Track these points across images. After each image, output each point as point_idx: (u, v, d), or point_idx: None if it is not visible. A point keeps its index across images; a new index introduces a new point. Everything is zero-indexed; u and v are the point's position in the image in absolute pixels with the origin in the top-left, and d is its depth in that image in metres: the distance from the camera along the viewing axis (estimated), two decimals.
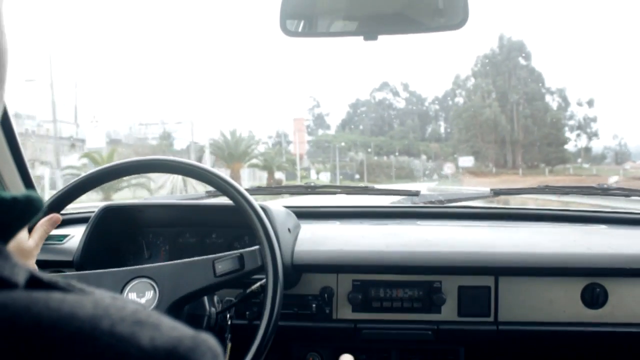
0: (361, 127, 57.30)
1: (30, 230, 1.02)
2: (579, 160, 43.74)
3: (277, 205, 1.37)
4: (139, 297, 1.03)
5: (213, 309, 1.14)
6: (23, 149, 1.36)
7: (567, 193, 1.79)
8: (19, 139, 1.34)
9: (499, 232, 1.49)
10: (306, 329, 1.31)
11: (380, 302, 1.29)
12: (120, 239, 1.42)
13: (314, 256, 1.29)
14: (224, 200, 1.22)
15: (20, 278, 0.32)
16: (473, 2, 1.09)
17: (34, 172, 1.35)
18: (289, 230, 1.30)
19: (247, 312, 1.27)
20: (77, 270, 1.26)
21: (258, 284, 1.12)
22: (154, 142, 33.73)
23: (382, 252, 1.29)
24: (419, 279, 1.29)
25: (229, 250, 1.40)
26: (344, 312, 1.31)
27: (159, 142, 33.56)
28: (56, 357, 0.28)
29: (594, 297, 1.26)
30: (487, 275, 1.29)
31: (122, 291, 1.04)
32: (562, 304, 1.27)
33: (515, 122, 45.08)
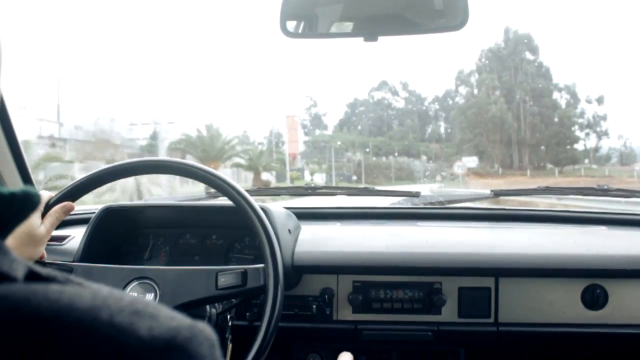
0: (359, 127, 56.02)
1: (42, 217, 1.03)
2: (586, 161, 41.82)
3: (278, 207, 1.37)
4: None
5: (213, 310, 1.15)
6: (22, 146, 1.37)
7: (567, 194, 1.79)
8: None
9: (499, 233, 1.49)
10: (306, 330, 1.31)
11: (381, 303, 1.29)
12: (121, 239, 1.42)
13: (314, 257, 1.29)
14: (224, 201, 1.22)
15: (19, 273, 0.32)
16: (473, 2, 1.10)
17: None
18: (289, 231, 1.30)
19: (248, 313, 1.27)
20: None
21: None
22: (144, 142, 32.45)
23: (383, 253, 1.29)
24: (419, 280, 1.29)
25: (230, 252, 1.42)
26: (345, 313, 1.31)
27: (148, 141, 32.20)
28: (57, 348, 0.28)
29: (594, 299, 1.26)
30: (487, 277, 1.29)
31: (124, 289, 1.05)
32: (563, 305, 1.27)
33: (522, 120, 42.86)
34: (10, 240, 0.90)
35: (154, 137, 32.54)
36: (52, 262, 1.12)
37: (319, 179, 36.74)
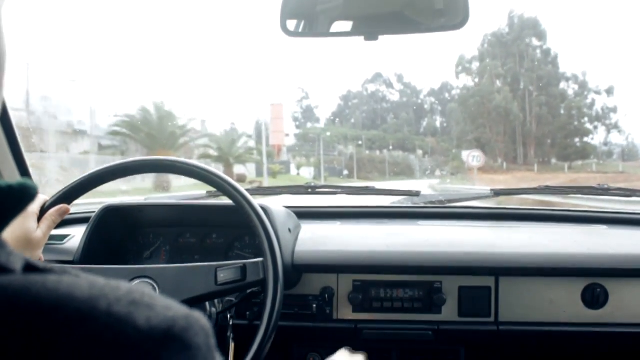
0: (352, 120, 53.05)
1: (38, 221, 1.03)
2: (592, 156, 37.89)
3: (278, 206, 1.37)
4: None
5: (214, 309, 1.15)
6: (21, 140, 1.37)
7: (567, 193, 1.79)
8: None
9: (499, 232, 1.49)
10: (307, 329, 1.31)
11: (381, 302, 1.29)
12: (121, 239, 1.42)
13: (314, 256, 1.29)
14: (224, 200, 1.22)
15: (17, 265, 0.33)
16: (473, 1, 1.08)
17: None
18: (289, 230, 1.30)
19: (248, 313, 1.27)
20: None
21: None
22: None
23: (383, 252, 1.29)
24: (420, 279, 1.29)
25: (230, 251, 1.42)
26: (345, 312, 1.31)
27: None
28: (56, 338, 0.28)
29: (594, 298, 1.26)
30: (487, 276, 1.28)
31: None
32: (563, 305, 1.27)
33: (528, 111, 38.43)
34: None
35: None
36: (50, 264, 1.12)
37: (307, 174, 32.79)
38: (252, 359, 0.99)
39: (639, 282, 1.26)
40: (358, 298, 1.28)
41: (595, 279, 1.26)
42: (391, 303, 1.29)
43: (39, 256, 1.04)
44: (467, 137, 38.92)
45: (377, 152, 41.96)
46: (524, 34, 40.12)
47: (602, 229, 1.51)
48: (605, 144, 39.15)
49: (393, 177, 34.11)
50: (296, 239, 1.33)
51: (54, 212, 1.06)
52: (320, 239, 1.35)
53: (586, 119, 38.90)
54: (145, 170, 1.18)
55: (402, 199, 1.92)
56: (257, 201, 1.12)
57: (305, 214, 1.57)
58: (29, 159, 1.38)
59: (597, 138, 39.00)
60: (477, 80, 41.39)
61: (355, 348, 1.29)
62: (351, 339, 1.30)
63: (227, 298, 1.21)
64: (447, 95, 50.33)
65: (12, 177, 1.37)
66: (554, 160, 37.32)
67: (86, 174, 1.14)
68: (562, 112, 38.79)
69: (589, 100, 39.03)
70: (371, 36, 1.11)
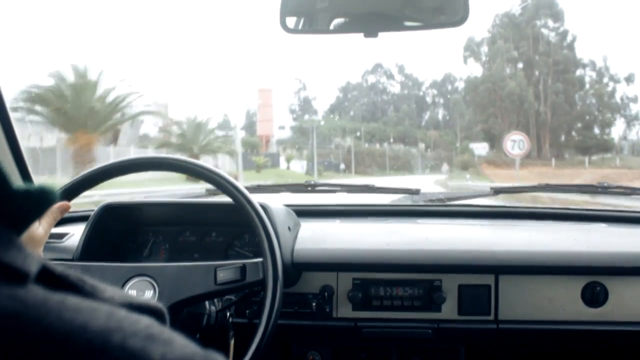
0: (352, 113, 50.26)
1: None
2: (613, 151, 34.41)
3: (277, 204, 1.37)
4: (139, 296, 1.03)
5: (213, 308, 1.15)
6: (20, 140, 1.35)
7: (567, 191, 1.79)
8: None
9: (499, 230, 1.49)
10: (306, 327, 1.31)
11: (381, 300, 1.29)
12: (120, 237, 1.42)
13: (314, 254, 1.29)
14: (224, 198, 1.22)
15: (32, 268, 0.32)
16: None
17: None
18: (289, 228, 1.30)
19: (247, 311, 1.27)
20: None
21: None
22: None
23: (383, 250, 1.29)
24: (420, 277, 1.29)
25: (229, 249, 1.42)
26: (344, 310, 1.31)
27: None
28: None
29: (594, 296, 1.26)
30: (487, 274, 1.28)
31: (123, 287, 1.04)
32: (563, 303, 1.27)
33: (542, 99, 34.64)
34: None
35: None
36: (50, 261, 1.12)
37: (299, 167, 29.40)
38: (252, 357, 0.99)
39: (639, 280, 1.26)
40: (358, 296, 1.28)
41: (595, 277, 1.26)
42: (391, 301, 1.29)
43: (39, 254, 1.04)
44: (476, 127, 35.88)
45: (377, 146, 39.18)
46: (540, 14, 36.32)
47: (601, 227, 1.51)
48: (625, 137, 35.97)
49: (394, 171, 31.17)
50: (296, 237, 1.33)
51: (55, 209, 1.06)
52: (319, 237, 1.35)
53: (607, 108, 35.28)
54: (145, 168, 1.17)
55: (402, 197, 1.92)
56: (256, 199, 1.12)
57: (305, 212, 1.57)
58: None
59: (614, 130, 35.81)
60: (487, 65, 37.55)
61: (355, 346, 1.29)
62: (351, 337, 1.30)
63: (227, 297, 1.21)
64: (449, 87, 47.99)
65: (12, 177, 1.36)
66: (567, 155, 34.08)
67: (85, 171, 1.14)
68: (584, 99, 35.44)
69: (609, 88, 35.68)
70: (371, 33, 1.10)
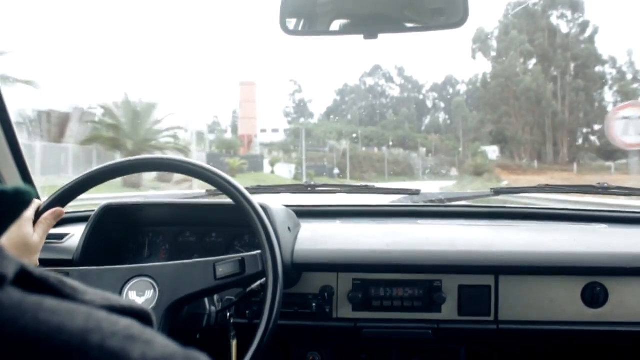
0: (349, 116, 48.31)
1: (33, 225, 1.03)
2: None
3: (277, 204, 1.37)
4: (139, 296, 1.03)
5: (213, 308, 1.15)
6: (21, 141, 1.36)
7: (567, 192, 1.79)
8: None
9: (499, 231, 1.49)
10: (306, 328, 1.31)
11: (381, 301, 1.29)
12: (120, 237, 1.42)
13: (314, 255, 1.29)
14: (224, 199, 1.22)
15: (10, 270, 0.31)
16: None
17: None
18: (289, 229, 1.30)
19: (247, 311, 1.27)
20: None
21: (258, 282, 1.12)
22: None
23: (383, 251, 1.29)
24: (420, 278, 1.29)
25: (229, 250, 1.42)
26: (344, 311, 1.31)
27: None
28: None
29: (594, 296, 1.26)
30: (487, 275, 1.28)
31: (122, 289, 1.04)
32: (563, 303, 1.27)
33: (560, 97, 30.86)
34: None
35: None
36: (47, 269, 1.12)
37: (286, 172, 27.05)
38: (252, 358, 0.99)
39: (639, 280, 1.27)
40: (358, 297, 1.28)
41: (595, 277, 1.26)
42: (391, 302, 1.29)
43: (36, 261, 1.04)
44: (485, 128, 32.69)
45: (375, 150, 37.26)
46: (556, 3, 32.89)
47: (601, 227, 1.51)
48: None
49: (392, 177, 29.62)
50: (296, 237, 1.33)
51: (49, 215, 1.07)
52: (320, 238, 1.35)
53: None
54: (147, 168, 1.18)
55: (402, 197, 1.92)
56: (256, 200, 1.12)
57: (305, 213, 1.57)
58: None
59: None
60: (499, 59, 33.41)
61: (355, 347, 1.29)
62: (351, 337, 1.30)
63: (227, 297, 1.21)
64: (451, 90, 46.86)
65: (13, 178, 1.37)
66: (588, 159, 30.18)
67: (78, 176, 1.14)
68: (602, 98, 31.45)
69: (635, 85, 31.54)
70: (370, 35, 1.11)
